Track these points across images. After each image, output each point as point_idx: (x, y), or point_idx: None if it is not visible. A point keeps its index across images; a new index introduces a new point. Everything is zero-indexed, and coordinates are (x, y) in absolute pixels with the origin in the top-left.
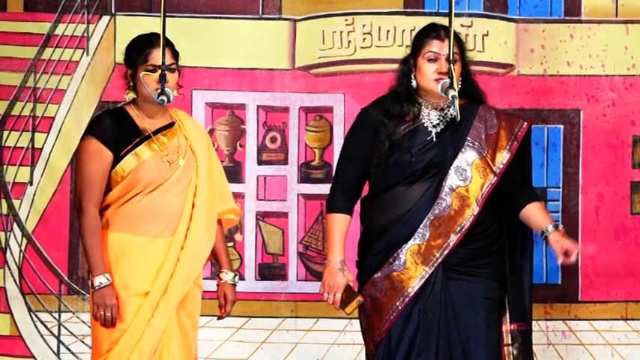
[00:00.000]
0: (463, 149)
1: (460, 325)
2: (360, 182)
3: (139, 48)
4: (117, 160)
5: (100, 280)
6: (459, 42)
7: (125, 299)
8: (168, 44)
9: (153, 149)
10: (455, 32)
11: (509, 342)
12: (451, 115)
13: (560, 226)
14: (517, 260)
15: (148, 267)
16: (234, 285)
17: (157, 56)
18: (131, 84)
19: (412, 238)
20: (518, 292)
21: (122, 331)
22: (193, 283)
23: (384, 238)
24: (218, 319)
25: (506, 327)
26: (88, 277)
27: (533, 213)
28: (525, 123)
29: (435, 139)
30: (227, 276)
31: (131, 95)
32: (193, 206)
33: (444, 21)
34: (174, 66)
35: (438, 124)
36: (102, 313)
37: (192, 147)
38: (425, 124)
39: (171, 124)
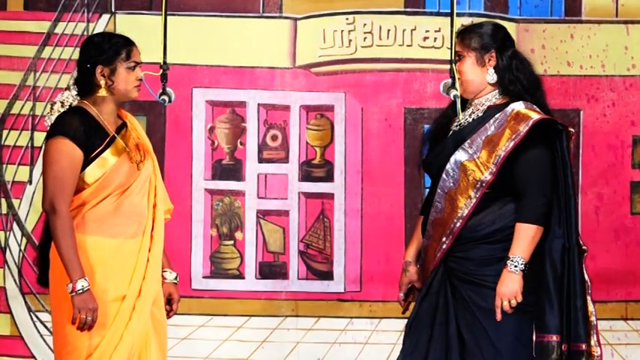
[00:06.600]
0: (457, 151)
1: (461, 331)
2: None
3: (116, 45)
4: (87, 160)
5: (82, 283)
6: (480, 37)
7: (105, 304)
8: (133, 42)
9: (123, 151)
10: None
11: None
12: (477, 114)
13: (512, 267)
14: (548, 271)
15: (124, 270)
16: (177, 284)
17: (137, 53)
18: (102, 82)
19: (424, 238)
20: (543, 301)
21: (102, 336)
22: None
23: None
24: None
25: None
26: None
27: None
28: (531, 121)
29: (443, 141)
30: (171, 275)
31: (70, 93)
32: (154, 206)
33: (445, 21)
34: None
35: (460, 124)
36: (84, 317)
37: (145, 145)
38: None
39: (125, 124)
